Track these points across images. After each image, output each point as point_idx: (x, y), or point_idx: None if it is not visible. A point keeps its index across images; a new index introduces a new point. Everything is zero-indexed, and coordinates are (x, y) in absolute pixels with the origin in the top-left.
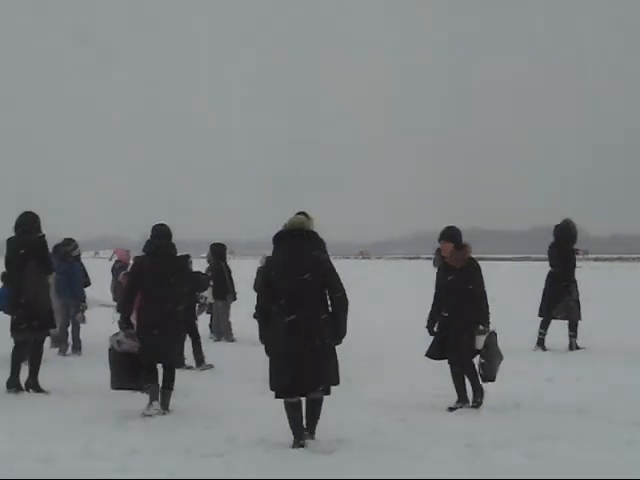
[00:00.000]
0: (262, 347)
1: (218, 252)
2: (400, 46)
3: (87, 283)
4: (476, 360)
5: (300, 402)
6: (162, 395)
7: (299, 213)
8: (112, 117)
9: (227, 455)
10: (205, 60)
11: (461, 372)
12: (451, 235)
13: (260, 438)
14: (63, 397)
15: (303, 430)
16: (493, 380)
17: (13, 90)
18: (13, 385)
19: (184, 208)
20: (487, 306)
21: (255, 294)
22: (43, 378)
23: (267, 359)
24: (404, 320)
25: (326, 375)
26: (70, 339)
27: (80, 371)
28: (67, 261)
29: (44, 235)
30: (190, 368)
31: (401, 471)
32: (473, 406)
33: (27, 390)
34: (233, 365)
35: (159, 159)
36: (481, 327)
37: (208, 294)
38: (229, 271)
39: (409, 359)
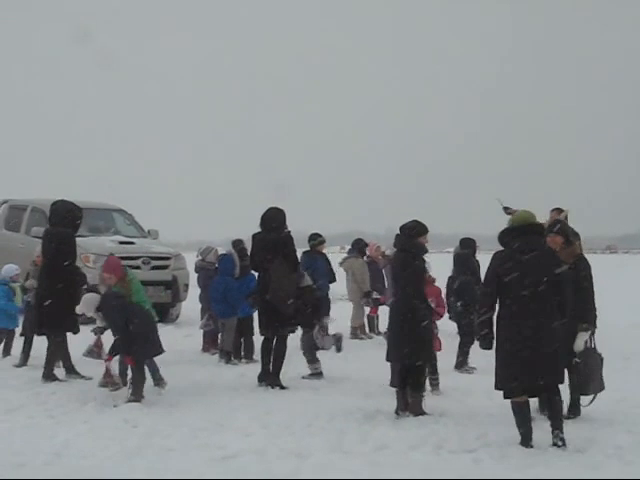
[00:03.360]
0: None
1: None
2: (401, 46)
3: (332, 279)
4: None
5: (528, 402)
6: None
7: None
8: (111, 117)
9: (477, 452)
10: (205, 60)
11: None
12: (561, 229)
13: (511, 436)
14: (313, 392)
15: (532, 430)
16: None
17: (13, 90)
18: (263, 379)
19: (184, 209)
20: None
21: None
22: (287, 373)
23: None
24: None
25: (557, 375)
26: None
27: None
28: (311, 256)
29: (290, 231)
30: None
31: None
32: None
33: (272, 387)
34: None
35: (158, 159)
36: (584, 325)
37: None
38: None
39: None
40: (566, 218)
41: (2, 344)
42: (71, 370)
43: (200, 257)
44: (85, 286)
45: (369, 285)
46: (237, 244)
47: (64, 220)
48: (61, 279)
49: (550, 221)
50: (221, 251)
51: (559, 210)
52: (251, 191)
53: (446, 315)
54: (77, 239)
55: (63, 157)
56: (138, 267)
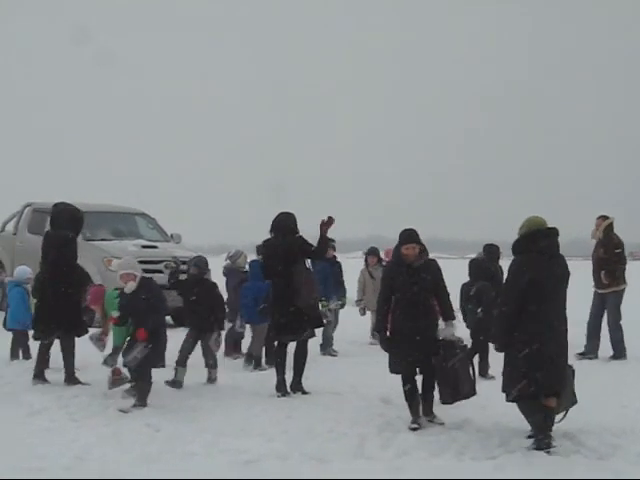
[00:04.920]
0: None
1: None
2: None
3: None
4: None
5: None
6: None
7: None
8: (111, 117)
9: (499, 458)
10: (205, 58)
11: None
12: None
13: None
14: (334, 397)
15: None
16: None
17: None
18: (281, 389)
19: (187, 211)
20: None
21: None
22: (308, 378)
23: None
24: None
25: None
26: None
27: (342, 372)
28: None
29: (302, 235)
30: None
31: None
32: None
33: (294, 392)
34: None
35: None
36: None
37: None
38: None
39: None
40: (611, 225)
41: (20, 347)
42: (41, 376)
43: (229, 261)
44: (88, 287)
45: None
46: (261, 249)
47: (66, 223)
48: (64, 282)
49: (597, 228)
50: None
51: (604, 217)
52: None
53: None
54: (100, 243)
55: (75, 158)
56: (160, 271)
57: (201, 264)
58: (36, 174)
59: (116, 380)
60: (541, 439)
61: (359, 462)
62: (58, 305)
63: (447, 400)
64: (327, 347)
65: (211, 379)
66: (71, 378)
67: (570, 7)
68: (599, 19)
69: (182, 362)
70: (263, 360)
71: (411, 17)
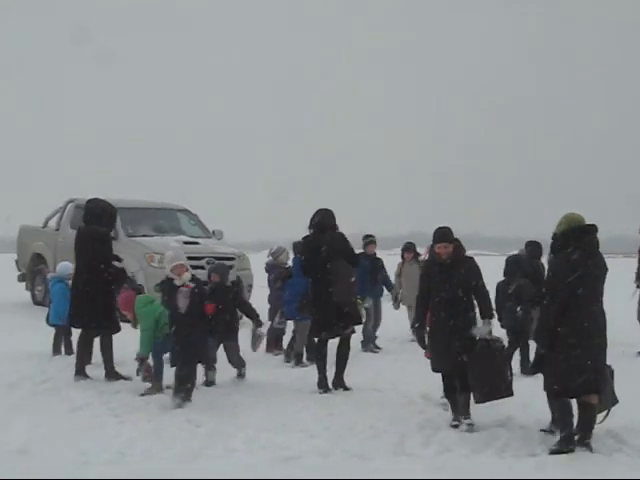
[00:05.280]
0: None
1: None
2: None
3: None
4: None
5: None
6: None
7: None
8: (111, 118)
9: (541, 456)
10: (205, 58)
11: None
12: None
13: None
14: (375, 394)
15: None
16: None
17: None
18: (323, 386)
19: (228, 208)
20: None
21: None
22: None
23: None
24: None
25: None
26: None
27: (383, 369)
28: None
29: (341, 232)
30: None
31: None
32: None
33: (336, 389)
34: None
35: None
36: None
37: None
38: None
39: None
40: None
41: (63, 343)
42: (82, 372)
43: (271, 257)
44: (125, 284)
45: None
46: (298, 246)
47: (99, 219)
48: (98, 278)
49: None
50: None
51: None
52: (313, 191)
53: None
54: (142, 239)
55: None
56: (202, 267)
57: (223, 271)
58: (74, 171)
59: (148, 376)
60: (564, 442)
61: (400, 459)
62: (91, 301)
63: (480, 399)
64: (368, 344)
65: (240, 375)
66: (111, 373)
67: (575, 7)
68: (601, 20)
69: (210, 366)
70: (304, 356)
71: (412, 17)
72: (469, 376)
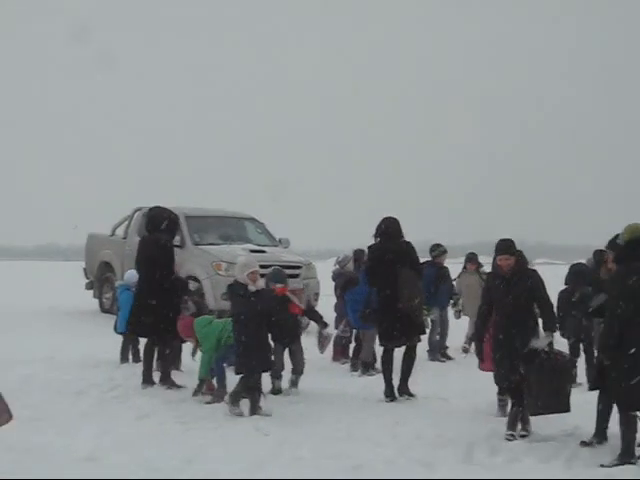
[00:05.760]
0: None
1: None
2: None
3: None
4: None
5: None
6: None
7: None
8: (111, 119)
9: (610, 468)
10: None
11: None
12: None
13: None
14: (441, 402)
15: None
16: None
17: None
18: (390, 394)
19: (293, 216)
20: None
21: None
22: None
23: None
24: None
25: None
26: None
27: (450, 378)
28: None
29: (408, 241)
30: None
31: None
32: None
33: (400, 395)
34: None
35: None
36: None
37: None
38: None
39: None
40: None
41: (130, 350)
42: (149, 380)
43: (338, 266)
44: (187, 297)
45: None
46: (359, 254)
47: (161, 227)
48: (159, 287)
49: None
50: None
51: None
52: (375, 200)
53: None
54: (209, 247)
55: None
56: None
57: (282, 279)
58: (143, 178)
59: (210, 389)
60: (626, 455)
61: (467, 468)
62: (153, 310)
63: (533, 412)
64: (434, 353)
65: (294, 383)
66: (166, 380)
67: (580, 8)
68: (604, 20)
69: (277, 375)
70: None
71: (413, 16)
72: (525, 388)
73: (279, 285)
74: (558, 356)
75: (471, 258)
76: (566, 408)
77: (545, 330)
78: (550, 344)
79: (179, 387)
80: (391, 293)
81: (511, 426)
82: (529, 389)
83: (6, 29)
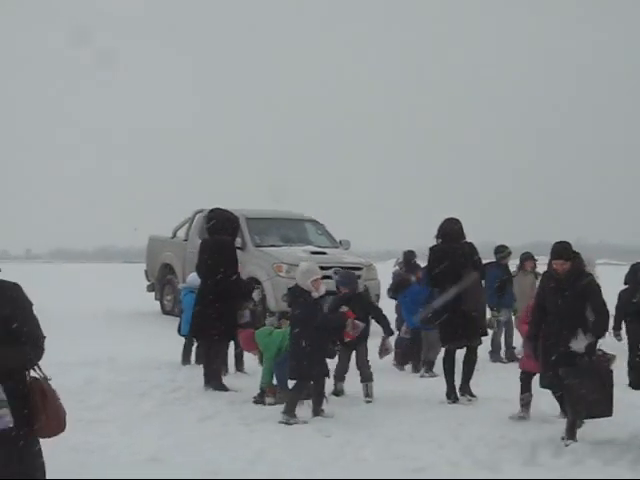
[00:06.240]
0: None
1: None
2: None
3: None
4: None
5: None
6: None
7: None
8: (112, 120)
9: None
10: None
11: None
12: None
13: None
14: (504, 403)
15: None
16: None
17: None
18: (451, 396)
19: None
20: None
21: None
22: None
23: None
24: None
25: None
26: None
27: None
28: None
29: (471, 242)
30: None
31: None
32: None
33: (462, 395)
34: None
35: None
36: None
37: None
38: None
39: None
40: None
41: (193, 352)
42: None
43: (398, 267)
44: (246, 303)
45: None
46: (409, 255)
47: (222, 229)
48: (220, 289)
49: None
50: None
51: None
52: (433, 201)
53: None
54: (270, 249)
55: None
56: (329, 277)
57: (351, 281)
58: (203, 181)
59: (271, 392)
60: None
61: (531, 470)
62: (213, 313)
63: (572, 417)
64: (496, 354)
65: (368, 394)
66: (212, 382)
67: (584, 9)
68: (606, 21)
69: (340, 377)
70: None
71: (417, 16)
72: (564, 391)
73: (345, 308)
74: (601, 358)
75: (527, 257)
76: (608, 413)
77: (588, 333)
78: (591, 346)
79: (226, 390)
80: (456, 294)
81: (569, 434)
82: (567, 392)
83: (6, 29)
